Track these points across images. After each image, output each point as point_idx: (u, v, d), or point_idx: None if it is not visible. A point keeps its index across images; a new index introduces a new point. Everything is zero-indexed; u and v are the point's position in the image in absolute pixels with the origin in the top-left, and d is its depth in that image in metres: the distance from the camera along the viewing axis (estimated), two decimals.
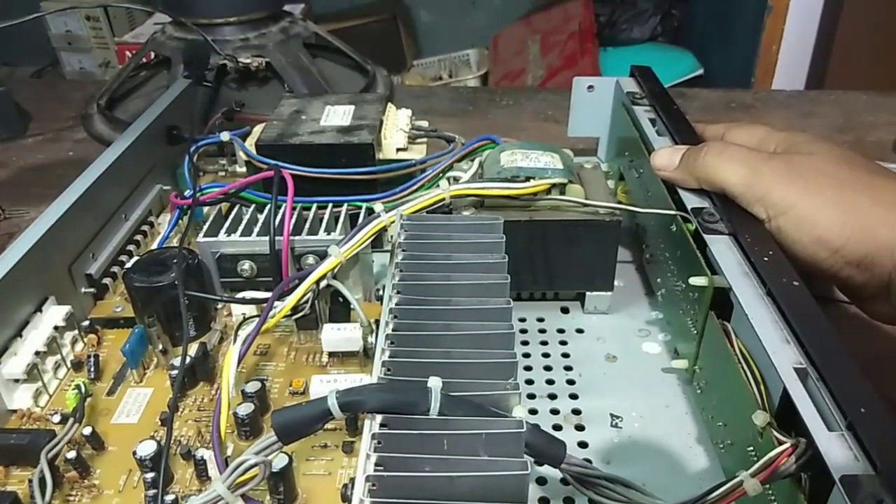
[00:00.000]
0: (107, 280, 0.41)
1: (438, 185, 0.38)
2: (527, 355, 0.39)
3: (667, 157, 0.40)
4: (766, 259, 0.31)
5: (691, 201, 0.37)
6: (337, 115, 0.47)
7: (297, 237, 0.38)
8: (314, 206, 0.42)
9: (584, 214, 0.39)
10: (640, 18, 1.48)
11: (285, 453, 0.28)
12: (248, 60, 0.66)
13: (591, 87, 0.53)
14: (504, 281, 0.31)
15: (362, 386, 0.25)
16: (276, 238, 0.37)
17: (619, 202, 0.46)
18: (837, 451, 0.23)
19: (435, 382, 0.25)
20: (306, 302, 0.35)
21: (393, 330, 0.29)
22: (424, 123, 0.51)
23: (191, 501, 0.24)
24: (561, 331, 0.41)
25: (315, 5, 1.21)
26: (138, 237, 0.45)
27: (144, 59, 0.77)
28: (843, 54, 1.17)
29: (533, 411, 0.36)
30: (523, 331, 0.41)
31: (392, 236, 0.36)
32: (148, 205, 0.47)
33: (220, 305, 0.38)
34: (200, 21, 0.68)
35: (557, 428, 0.35)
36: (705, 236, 0.34)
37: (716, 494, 0.24)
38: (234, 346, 0.30)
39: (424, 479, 0.22)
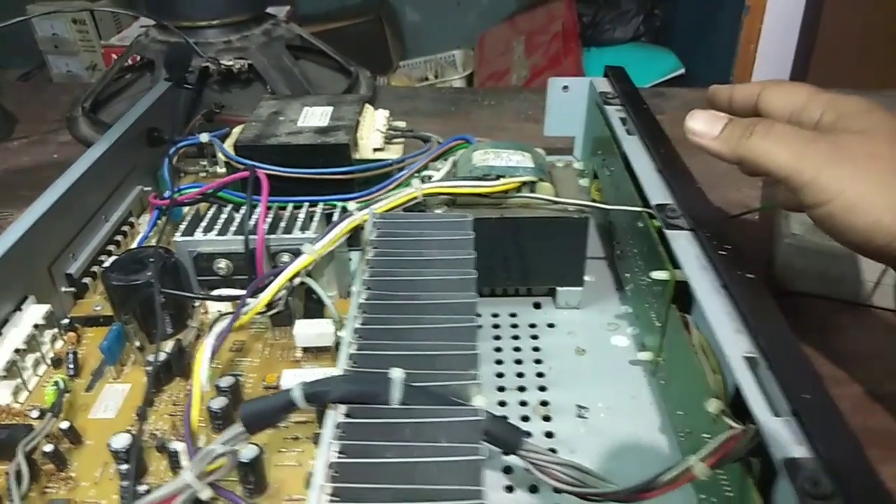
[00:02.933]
0: (87, 279, 0.42)
1: (411, 184, 0.39)
2: (498, 349, 0.40)
3: (706, 121, 0.36)
4: (722, 253, 0.32)
5: (656, 198, 0.38)
6: (315, 116, 0.48)
7: (272, 236, 0.39)
8: (291, 205, 0.42)
9: (554, 212, 0.40)
10: (623, 19, 1.49)
11: (255, 444, 0.29)
12: (230, 63, 0.67)
13: (566, 87, 0.54)
14: (470, 276, 0.32)
15: (327, 377, 0.26)
16: (251, 237, 0.37)
17: (594, 200, 0.47)
18: (782, 435, 0.24)
19: (397, 374, 0.25)
20: (280, 299, 0.36)
21: (361, 324, 0.30)
22: (402, 124, 0.51)
23: (160, 490, 0.24)
24: (532, 325, 0.42)
25: (301, 7, 1.22)
26: (118, 237, 0.45)
27: (130, 62, 0.77)
28: (826, 53, 1.18)
29: (502, 403, 0.37)
30: (496, 325, 0.42)
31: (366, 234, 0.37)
32: (128, 206, 0.47)
33: (197, 303, 0.39)
34: (183, 24, 0.69)
35: (525, 419, 0.36)
36: (667, 232, 0.35)
37: (665, 478, 0.25)
38: (206, 341, 0.31)
39: (385, 465, 0.23)
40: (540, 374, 0.39)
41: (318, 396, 0.25)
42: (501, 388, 0.38)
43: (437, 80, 1.64)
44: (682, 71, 1.44)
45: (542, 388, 0.38)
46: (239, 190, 0.44)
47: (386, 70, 1.66)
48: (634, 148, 0.43)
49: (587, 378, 0.38)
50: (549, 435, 0.35)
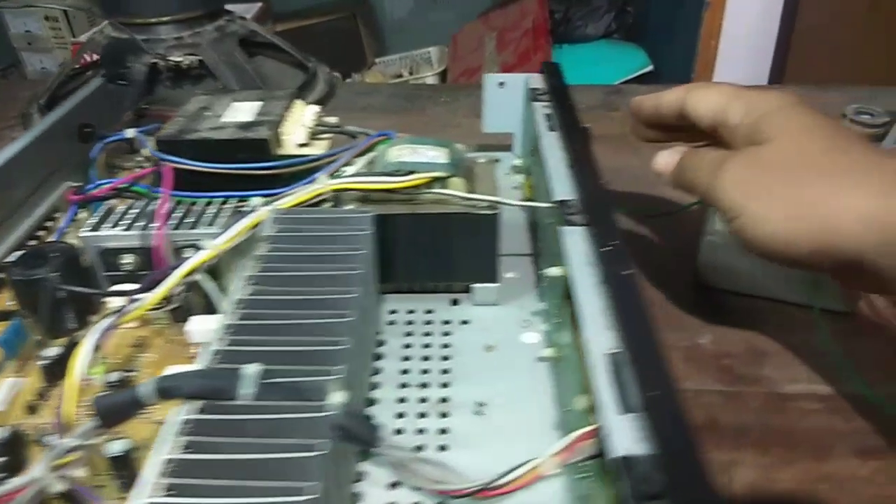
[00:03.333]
0: (2, 275, 0.42)
1: (318, 180, 0.39)
2: (408, 346, 0.40)
3: (664, 160, 0.40)
4: (606, 249, 0.32)
5: (561, 194, 0.37)
6: (241, 112, 0.48)
7: (177, 231, 0.39)
8: (205, 201, 0.42)
9: (464, 207, 0.40)
10: (595, 15, 1.49)
11: (126, 438, 0.29)
12: (179, 59, 0.67)
13: (502, 83, 0.54)
14: (355, 272, 0.32)
15: (181, 372, 0.26)
16: (151, 232, 0.37)
17: (529, 198, 0.47)
18: (625, 433, 0.23)
19: (251, 369, 0.25)
20: (178, 294, 0.36)
21: (237, 320, 0.30)
22: (334, 120, 0.51)
23: (4, 486, 0.24)
24: (447, 322, 0.42)
25: (275, 4, 1.22)
26: (41, 233, 0.45)
27: (88, 59, 0.78)
28: (802, 48, 1.18)
29: (402, 399, 0.37)
30: (410, 322, 0.42)
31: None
32: (53, 202, 0.47)
33: (103, 299, 0.39)
34: (135, 21, 0.69)
35: (423, 415, 0.36)
36: (561, 228, 0.35)
37: (515, 474, 0.25)
38: (88, 336, 0.31)
39: (224, 461, 0.23)
40: (445, 371, 0.38)
41: (169, 391, 0.25)
42: (404, 385, 0.37)
43: (412, 76, 1.64)
44: (650, 68, 1.44)
45: (445, 385, 0.37)
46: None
47: (360, 67, 1.66)
48: (551, 144, 0.43)
49: (491, 375, 0.38)
50: (443, 431, 0.35)
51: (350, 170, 0.42)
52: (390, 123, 0.73)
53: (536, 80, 0.52)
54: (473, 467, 0.31)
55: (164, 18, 0.69)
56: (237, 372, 0.25)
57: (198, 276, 0.36)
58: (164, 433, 0.24)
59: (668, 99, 0.41)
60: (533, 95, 0.50)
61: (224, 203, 0.42)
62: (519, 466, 0.25)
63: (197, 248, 0.38)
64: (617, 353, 0.26)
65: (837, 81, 0.84)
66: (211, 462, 0.23)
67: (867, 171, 0.31)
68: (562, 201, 0.36)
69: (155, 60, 0.66)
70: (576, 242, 0.33)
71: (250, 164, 0.43)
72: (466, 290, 0.44)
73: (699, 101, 0.39)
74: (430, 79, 1.58)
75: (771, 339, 0.42)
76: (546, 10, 1.46)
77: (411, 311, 0.43)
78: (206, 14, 0.71)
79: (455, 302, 0.44)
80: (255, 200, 0.38)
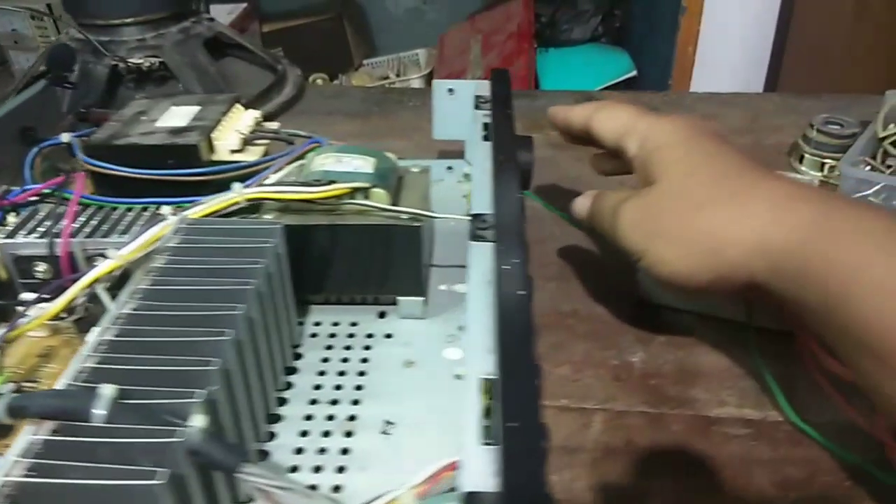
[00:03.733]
0: None
1: (232, 188, 0.38)
2: (326, 360, 0.39)
3: (578, 205, 0.41)
4: (506, 267, 0.30)
5: (476, 207, 0.36)
6: (176, 116, 0.47)
7: (89, 239, 0.38)
8: (126, 207, 0.42)
9: (385, 219, 0.39)
10: (581, 19, 1.46)
11: None
12: (139, 61, 0.67)
13: (451, 89, 0.53)
14: (246, 287, 0.31)
15: (34, 392, 0.25)
16: (62, 240, 0.37)
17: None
18: (479, 465, 0.22)
19: (106, 390, 0.25)
20: (80, 304, 0.35)
21: (114, 336, 0.29)
22: (275, 125, 0.50)
23: None
24: (370, 335, 0.41)
25: (262, 4, 1.22)
26: None
27: None
28: (795, 56, 1.15)
29: (309, 417, 0.36)
30: (332, 335, 0.41)
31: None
32: None
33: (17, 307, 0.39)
34: (97, 22, 0.69)
35: (327, 434, 0.35)
36: (470, 243, 0.33)
37: None
38: None
39: (66, 486, 0.22)
40: (359, 387, 0.37)
41: (19, 411, 0.24)
42: (314, 402, 0.36)
43: (398, 78, 1.63)
44: (633, 73, 1.41)
45: (356, 402, 0.36)
46: (96, 188, 0.44)
47: (347, 68, 1.65)
48: (481, 153, 0.41)
49: (405, 392, 0.37)
50: (344, 451, 0.34)
51: (272, 178, 0.41)
52: (355, 128, 0.72)
53: (485, 87, 0.51)
54: (366, 491, 0.30)
55: (127, 20, 0.68)
56: (92, 393, 0.24)
57: (98, 288, 0.35)
58: (9, 454, 0.23)
59: (576, 117, 0.43)
60: (476, 103, 0.48)
61: (145, 210, 0.42)
62: (377, 499, 0.24)
63: (105, 257, 0.38)
64: (490, 380, 0.25)
65: (826, 89, 0.82)
66: (52, 486, 0.22)
67: (749, 199, 0.33)
68: (475, 215, 0.35)
69: (115, 63, 0.65)
70: (480, 258, 0.32)
71: (174, 171, 0.43)
72: (394, 303, 0.43)
73: (602, 124, 0.41)
74: (417, 81, 1.57)
75: (705, 358, 0.41)
76: (531, 13, 1.44)
77: (336, 324, 0.42)
78: (171, 16, 0.71)
79: (382, 315, 0.43)
80: (165, 209, 0.37)
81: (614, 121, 0.40)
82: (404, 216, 0.39)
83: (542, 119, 0.73)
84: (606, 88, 1.28)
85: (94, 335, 0.35)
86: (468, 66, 1.38)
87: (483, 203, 0.36)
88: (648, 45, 1.35)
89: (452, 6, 1.67)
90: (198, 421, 0.25)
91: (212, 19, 0.76)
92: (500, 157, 0.40)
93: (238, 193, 0.38)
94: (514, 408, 0.23)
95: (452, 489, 0.24)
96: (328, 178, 0.39)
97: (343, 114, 0.74)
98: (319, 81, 1.39)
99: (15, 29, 1.16)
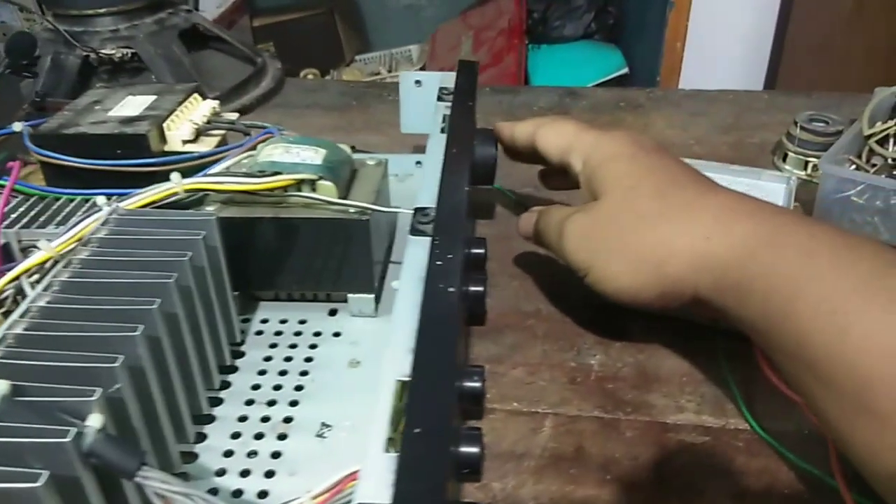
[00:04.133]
0: None
1: (171, 178, 0.37)
2: (269, 358, 0.38)
3: (523, 223, 0.41)
4: (439, 263, 0.29)
5: (421, 200, 0.35)
6: (130, 106, 0.46)
7: (24, 230, 0.37)
8: (70, 198, 0.41)
9: (332, 213, 0.37)
10: (574, 15, 1.44)
11: None
12: (111, 52, 0.65)
13: (418, 81, 0.52)
14: (163, 282, 0.29)
15: None
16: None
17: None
18: (378, 475, 0.21)
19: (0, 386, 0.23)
20: (6, 297, 0.33)
21: (23, 329, 0.27)
22: (233, 116, 0.49)
23: None
24: (317, 334, 0.39)
25: None
26: None
27: None
28: (792, 54, 1.13)
29: (243, 418, 0.34)
30: (278, 332, 0.40)
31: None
32: None
33: None
34: (71, 12, 0.68)
35: (259, 436, 0.33)
36: (409, 237, 0.32)
37: None
38: None
39: None
40: (299, 388, 0.36)
41: None
42: (250, 402, 0.35)
43: (390, 74, 1.61)
44: (625, 70, 1.38)
45: (294, 403, 0.35)
46: (50, 178, 0.43)
47: (338, 63, 1.63)
48: (436, 146, 0.40)
49: (347, 393, 0.35)
50: (275, 455, 0.32)
51: (216, 169, 0.40)
52: (331, 121, 0.70)
53: (450, 79, 0.49)
54: (292, 497, 0.28)
55: (101, 10, 0.67)
56: None
57: (24, 281, 0.33)
58: None
59: (520, 133, 0.42)
60: (440, 94, 0.47)
61: (87, 202, 0.40)
62: None
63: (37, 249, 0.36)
64: (404, 381, 0.24)
65: (825, 88, 0.79)
66: None
67: (692, 212, 0.33)
68: (419, 208, 0.34)
69: (86, 53, 0.64)
70: (416, 254, 0.31)
71: (118, 161, 0.41)
72: (346, 300, 0.42)
73: (546, 141, 0.40)
74: None
75: (667, 362, 0.39)
76: (523, 9, 1.41)
77: (283, 321, 0.40)
78: (147, 6, 0.69)
79: (333, 312, 0.41)
80: (101, 200, 0.36)
81: (558, 137, 0.39)
82: (352, 210, 0.38)
83: (522, 114, 0.71)
84: (598, 85, 1.26)
85: (1, 329, 0.33)
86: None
87: (429, 196, 0.35)
88: (639, 41, 1.32)
89: (449, 2, 1.65)
90: (95, 420, 0.24)
91: (189, 10, 0.74)
92: (452, 150, 0.38)
93: (176, 184, 0.37)
94: (421, 412, 0.22)
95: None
96: (273, 169, 0.38)
97: (321, 108, 0.73)
98: (311, 77, 1.38)
99: (3, 21, 1.16)
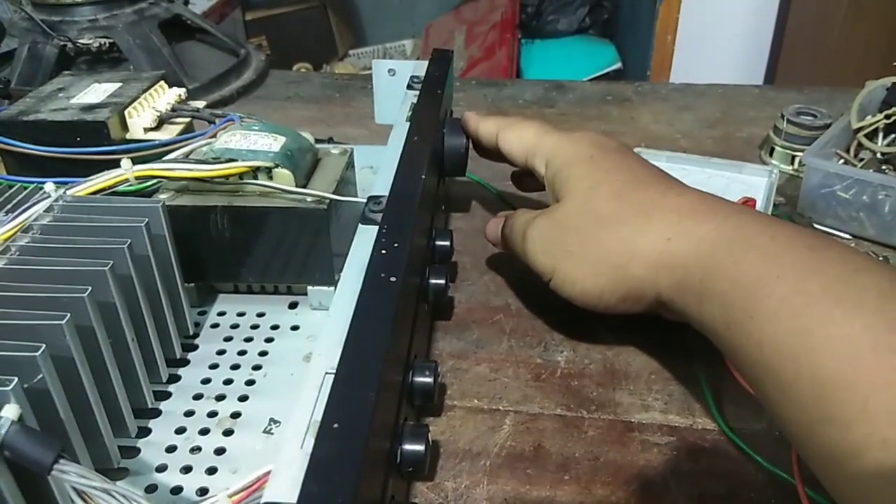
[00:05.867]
0: None
1: (121, 165, 0.36)
2: (222, 352, 0.37)
3: (489, 229, 0.40)
4: (383, 252, 0.28)
5: (376, 189, 0.33)
6: (93, 94, 0.45)
7: None
8: (28, 186, 0.40)
9: (288, 202, 0.36)
10: (568, 10, 1.42)
11: None
12: (88, 42, 0.64)
13: (391, 70, 0.50)
14: (100, 269, 0.28)
15: None
16: None
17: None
18: (291, 473, 0.19)
19: None
20: None
21: None
22: (200, 104, 0.48)
23: None
24: (275, 327, 0.38)
25: None
26: None
27: None
28: (790, 49, 1.11)
29: (189, 413, 0.33)
30: (235, 325, 0.38)
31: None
32: None
33: None
34: (49, 1, 0.67)
35: (205, 432, 0.32)
36: (359, 225, 0.31)
37: None
38: None
39: None
40: (250, 382, 0.35)
41: None
42: (198, 397, 0.34)
43: None
44: (619, 65, 1.36)
45: (244, 398, 0.34)
46: (9, 166, 0.42)
47: (331, 57, 1.62)
48: (398, 135, 0.39)
49: (299, 389, 0.34)
50: (219, 451, 0.31)
51: (170, 156, 0.38)
52: (311, 114, 0.69)
53: (423, 68, 0.48)
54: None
55: (79, 0, 0.66)
56: None
57: None
58: None
59: (484, 133, 0.41)
60: (410, 83, 0.46)
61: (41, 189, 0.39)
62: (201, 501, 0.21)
63: None
64: (330, 374, 0.22)
65: (824, 83, 0.78)
66: None
67: (653, 212, 0.32)
68: (371, 197, 0.32)
69: (63, 43, 0.63)
70: (363, 242, 0.29)
71: (73, 149, 0.40)
72: (307, 293, 0.40)
73: (510, 144, 0.40)
74: None
75: (636, 359, 0.37)
76: (517, 4, 1.40)
77: (241, 314, 0.39)
78: None
79: (293, 305, 0.40)
80: (49, 186, 0.35)
81: (521, 140, 0.39)
82: (310, 199, 0.36)
83: (506, 107, 0.70)
84: (591, 80, 1.24)
85: None
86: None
87: (384, 185, 0.33)
88: (632, 36, 1.30)
89: None
90: (10, 412, 0.23)
91: (171, 1, 0.73)
92: (413, 138, 0.37)
93: (126, 170, 0.35)
94: (341, 407, 0.20)
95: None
96: (228, 156, 0.37)
97: (302, 100, 0.71)
98: (304, 70, 1.37)
99: None
